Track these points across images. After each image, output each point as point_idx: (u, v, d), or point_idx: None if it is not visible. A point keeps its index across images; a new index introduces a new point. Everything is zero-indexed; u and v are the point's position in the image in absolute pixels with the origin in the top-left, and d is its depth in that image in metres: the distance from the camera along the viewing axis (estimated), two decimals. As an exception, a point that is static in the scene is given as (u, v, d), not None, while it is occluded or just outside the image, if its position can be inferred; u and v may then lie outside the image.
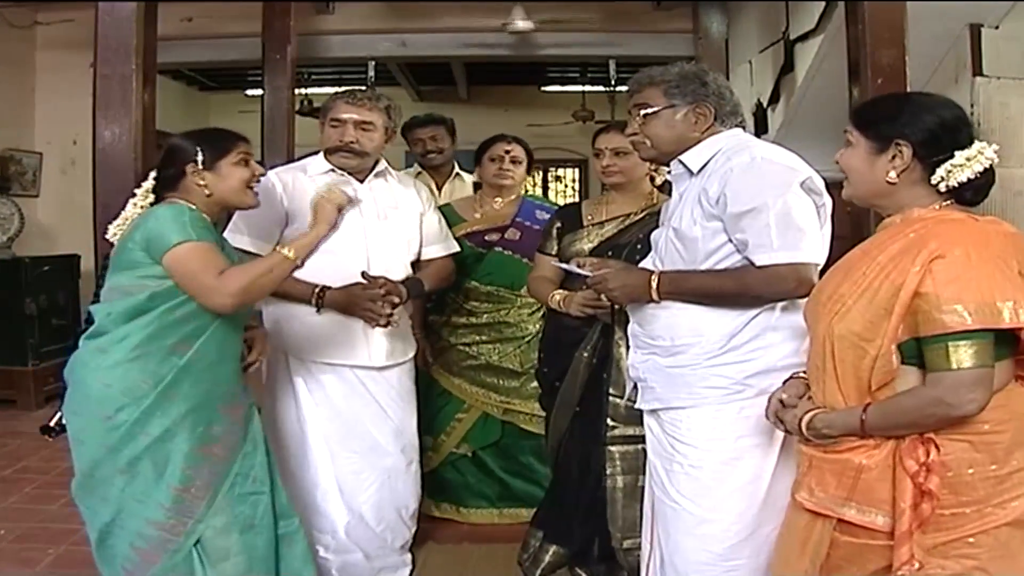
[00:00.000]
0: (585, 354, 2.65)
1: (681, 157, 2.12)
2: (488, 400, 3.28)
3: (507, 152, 3.35)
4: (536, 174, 11.48)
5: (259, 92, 5.23)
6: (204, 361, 2.11)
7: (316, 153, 2.81)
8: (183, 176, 2.18)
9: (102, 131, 2.96)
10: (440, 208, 3.41)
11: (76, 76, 5.10)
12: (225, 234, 2.65)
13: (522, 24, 5.46)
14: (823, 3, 4.47)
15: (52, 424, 2.20)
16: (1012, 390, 1.59)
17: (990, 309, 1.48)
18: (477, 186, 3.54)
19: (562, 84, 9.68)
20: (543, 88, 9.82)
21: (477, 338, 3.29)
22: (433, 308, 3.41)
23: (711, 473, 2.03)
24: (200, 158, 2.17)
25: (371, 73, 6.22)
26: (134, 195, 2.23)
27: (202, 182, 2.17)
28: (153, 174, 2.24)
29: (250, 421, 2.24)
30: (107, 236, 2.21)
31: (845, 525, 1.62)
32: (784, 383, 1.87)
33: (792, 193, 1.96)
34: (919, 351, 1.56)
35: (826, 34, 4.45)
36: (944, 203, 1.64)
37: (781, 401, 1.82)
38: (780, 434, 2.01)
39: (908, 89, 2.99)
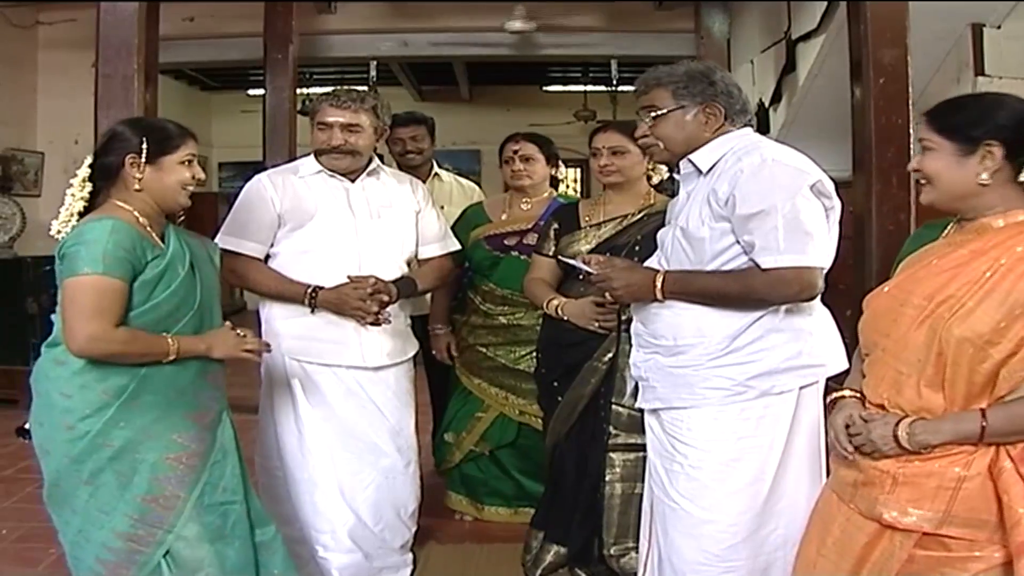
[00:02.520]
0: (600, 364, 2.63)
1: (691, 156, 2.11)
2: (506, 402, 3.26)
3: (515, 152, 3.28)
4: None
5: (261, 92, 5.24)
6: (165, 370, 2.03)
7: (309, 155, 2.81)
8: (121, 167, 2.04)
9: (104, 131, 2.96)
10: (472, 208, 3.44)
11: (78, 76, 5.12)
12: (224, 240, 2.62)
13: (523, 24, 5.46)
14: (825, 3, 4.47)
15: (27, 427, 2.16)
16: None
17: None
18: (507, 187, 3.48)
19: (564, 84, 9.69)
20: (545, 88, 9.83)
21: (493, 339, 3.27)
22: (457, 307, 3.41)
23: (711, 474, 2.03)
24: (144, 149, 2.04)
25: (373, 73, 6.23)
26: (71, 185, 2.08)
27: (139, 175, 2.04)
28: (88, 160, 2.09)
29: (219, 427, 2.15)
30: (51, 233, 2.08)
31: (926, 539, 1.57)
32: (831, 405, 1.81)
33: (801, 196, 1.95)
34: None
35: (828, 34, 4.45)
36: None
37: (847, 424, 1.73)
38: (782, 437, 2.01)
39: (910, 90, 2.99)
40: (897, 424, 1.61)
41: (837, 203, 2.04)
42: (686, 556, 2.05)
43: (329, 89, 2.78)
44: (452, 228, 3.19)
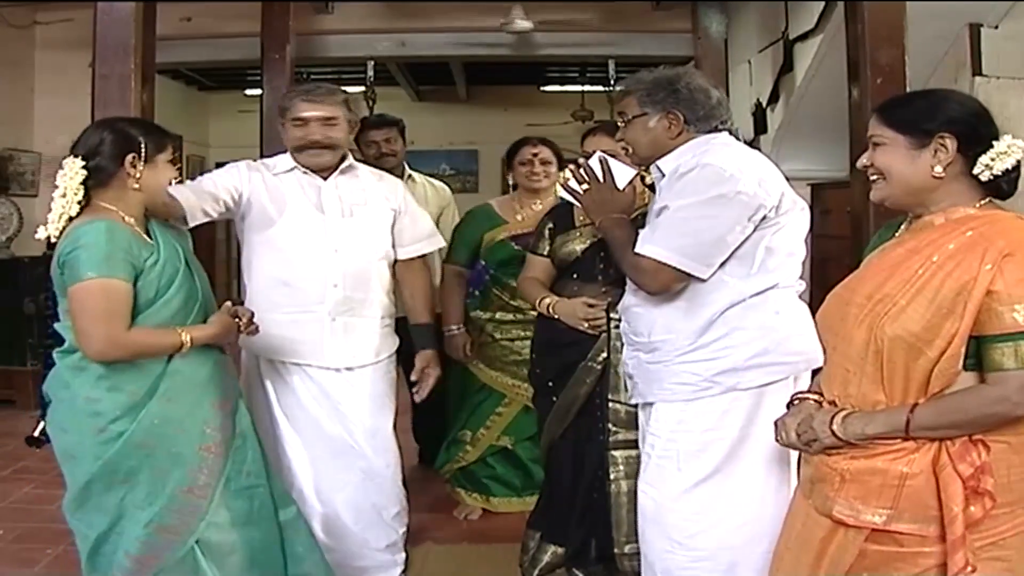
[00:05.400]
0: (595, 364, 2.62)
1: (658, 162, 2.19)
2: (528, 393, 3.26)
3: (535, 155, 3.41)
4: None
5: (258, 92, 5.22)
6: (189, 361, 2.09)
7: (283, 153, 2.79)
8: (120, 168, 2.06)
9: (89, 133, 2.95)
10: (480, 208, 3.57)
11: (75, 76, 5.09)
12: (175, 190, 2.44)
13: (521, 24, 5.45)
14: (822, 3, 4.47)
15: (37, 435, 2.18)
16: None
17: None
18: (514, 187, 3.63)
19: (561, 84, 9.68)
20: (542, 88, 9.81)
21: (522, 333, 3.34)
22: (479, 304, 3.50)
23: (675, 464, 2.09)
24: (143, 149, 2.08)
25: (370, 73, 6.21)
26: (57, 187, 2.05)
27: (138, 175, 2.07)
28: (80, 163, 2.05)
29: (238, 414, 2.23)
30: (38, 237, 2.07)
31: (878, 534, 1.59)
32: (790, 406, 1.83)
33: (706, 200, 2.00)
34: (975, 351, 1.54)
35: (825, 34, 4.45)
36: (983, 201, 1.63)
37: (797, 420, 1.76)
38: (747, 432, 2.05)
39: (908, 90, 2.98)
40: (834, 416, 1.64)
41: (792, 217, 2.09)
42: (655, 544, 2.13)
43: (300, 88, 2.79)
44: (456, 227, 3.57)
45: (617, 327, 2.51)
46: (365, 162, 3.58)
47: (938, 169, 1.63)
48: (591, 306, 2.59)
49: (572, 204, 2.95)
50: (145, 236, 2.11)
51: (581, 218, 2.78)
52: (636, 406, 2.31)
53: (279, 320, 2.62)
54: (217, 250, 9.51)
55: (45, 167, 6.37)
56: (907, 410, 1.56)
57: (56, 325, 2.11)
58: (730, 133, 2.22)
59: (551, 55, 6.08)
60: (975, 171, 1.61)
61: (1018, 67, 4.13)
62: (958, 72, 4.21)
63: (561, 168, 3.49)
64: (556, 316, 2.67)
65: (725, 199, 2.00)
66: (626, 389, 2.39)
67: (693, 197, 2.01)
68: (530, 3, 5.47)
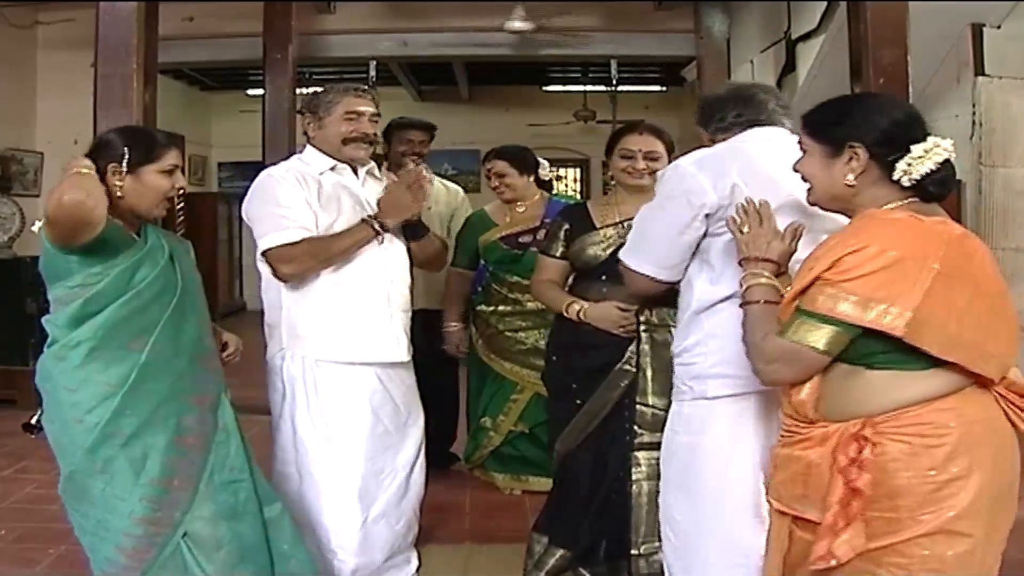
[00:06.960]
0: (629, 367, 2.58)
1: None
2: (538, 381, 3.29)
3: (489, 170, 3.71)
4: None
5: (260, 92, 5.24)
6: (163, 355, 2.10)
7: (300, 152, 2.76)
8: (104, 175, 2.07)
9: (100, 133, 2.95)
10: (475, 214, 3.84)
11: (77, 76, 5.10)
12: (271, 239, 2.53)
13: (523, 24, 5.46)
14: (825, 3, 4.48)
15: (33, 422, 2.20)
16: (968, 395, 1.54)
17: (862, 306, 1.49)
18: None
19: (563, 84, 9.69)
20: (544, 88, 9.82)
21: (523, 324, 3.62)
22: (483, 300, 3.77)
23: (664, 465, 2.16)
24: (125, 159, 2.08)
25: (372, 73, 6.23)
26: None
27: (118, 183, 2.07)
28: (88, 163, 2.09)
29: (220, 409, 2.22)
30: (32, 230, 2.11)
31: (799, 521, 1.64)
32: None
33: (659, 202, 2.06)
34: (866, 351, 1.55)
35: (828, 34, 4.46)
36: (899, 202, 1.61)
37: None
38: (728, 441, 2.00)
39: (910, 90, 2.99)
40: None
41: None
42: (665, 537, 2.18)
43: (342, 83, 2.79)
44: (458, 234, 3.78)
45: (647, 330, 2.53)
46: (384, 157, 3.84)
47: (850, 177, 1.63)
48: (623, 310, 2.56)
49: (583, 204, 2.93)
50: (133, 235, 2.13)
51: (601, 219, 2.72)
52: (662, 409, 2.32)
53: (354, 322, 2.62)
54: (219, 250, 9.53)
55: (47, 167, 6.39)
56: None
57: (44, 320, 2.12)
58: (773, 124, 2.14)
59: (553, 55, 6.10)
60: (895, 176, 1.60)
61: (1020, 67, 4.14)
62: (960, 72, 4.21)
63: (521, 174, 3.68)
64: (588, 321, 2.61)
65: (671, 198, 2.01)
66: (653, 392, 2.46)
67: (659, 196, 2.06)
68: (532, 3, 5.48)
